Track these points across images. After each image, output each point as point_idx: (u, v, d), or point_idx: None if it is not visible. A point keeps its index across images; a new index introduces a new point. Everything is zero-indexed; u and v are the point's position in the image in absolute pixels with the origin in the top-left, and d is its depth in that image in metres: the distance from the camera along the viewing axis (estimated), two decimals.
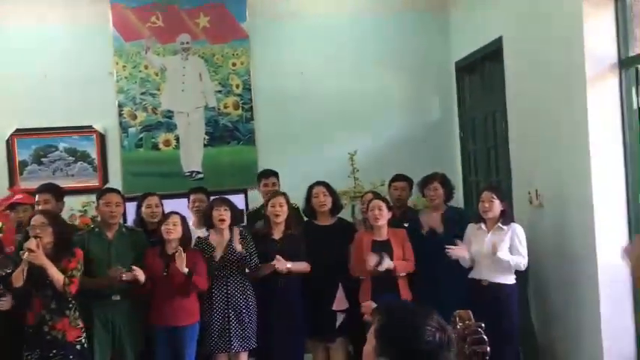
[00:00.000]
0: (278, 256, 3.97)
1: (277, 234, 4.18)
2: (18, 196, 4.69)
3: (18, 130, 5.40)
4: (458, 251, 3.91)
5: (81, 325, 3.66)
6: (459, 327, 1.94)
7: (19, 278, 3.42)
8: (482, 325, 1.88)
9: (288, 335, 4.07)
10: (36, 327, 3.52)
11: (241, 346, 3.99)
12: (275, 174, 4.87)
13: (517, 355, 3.98)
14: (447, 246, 3.90)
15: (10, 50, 5.42)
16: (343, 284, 4.18)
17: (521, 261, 3.89)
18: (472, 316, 1.97)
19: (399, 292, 3.99)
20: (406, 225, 4.35)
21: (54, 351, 3.50)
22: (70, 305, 3.60)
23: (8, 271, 3.43)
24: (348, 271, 4.16)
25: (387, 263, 3.92)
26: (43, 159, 5.47)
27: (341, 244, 4.23)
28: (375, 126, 5.83)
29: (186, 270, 3.77)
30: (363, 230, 4.30)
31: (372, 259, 3.89)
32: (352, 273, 4.13)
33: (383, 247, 4.03)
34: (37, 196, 4.39)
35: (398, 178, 4.71)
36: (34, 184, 5.22)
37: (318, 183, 4.39)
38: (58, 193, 4.47)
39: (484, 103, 5.36)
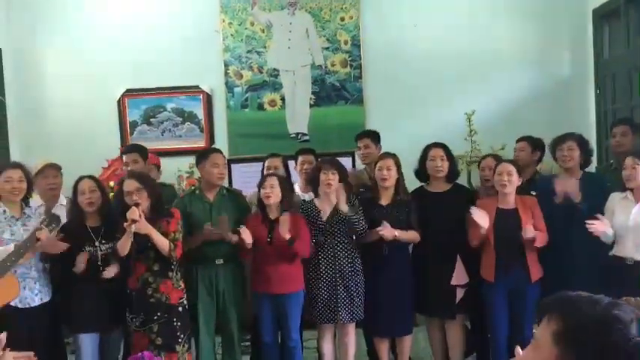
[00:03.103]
0: (385, 222, 3.68)
1: (385, 200, 3.88)
2: None
3: (128, 90, 5.45)
4: (600, 226, 3.37)
5: (182, 286, 3.59)
6: None
7: (125, 247, 3.36)
8: None
9: (395, 307, 3.82)
10: (139, 290, 3.48)
11: (349, 317, 3.77)
12: (368, 134, 4.49)
13: None
14: (587, 221, 3.38)
15: (119, 12, 5.44)
16: (462, 257, 3.80)
17: None
18: None
19: (527, 266, 3.56)
20: (534, 193, 3.86)
21: (158, 313, 3.45)
22: (172, 267, 3.53)
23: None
24: (466, 243, 3.77)
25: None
26: (152, 119, 5.50)
27: (457, 212, 3.83)
28: (495, 83, 5.40)
29: (288, 236, 3.57)
30: (486, 197, 3.87)
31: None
32: (471, 244, 3.74)
33: (509, 217, 3.61)
34: (124, 157, 4.33)
35: (519, 139, 4.27)
36: (144, 145, 5.29)
37: (436, 145, 3.98)
38: (145, 153, 4.38)
39: (628, 56, 4.72)
